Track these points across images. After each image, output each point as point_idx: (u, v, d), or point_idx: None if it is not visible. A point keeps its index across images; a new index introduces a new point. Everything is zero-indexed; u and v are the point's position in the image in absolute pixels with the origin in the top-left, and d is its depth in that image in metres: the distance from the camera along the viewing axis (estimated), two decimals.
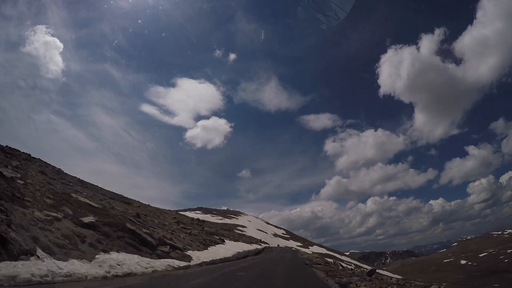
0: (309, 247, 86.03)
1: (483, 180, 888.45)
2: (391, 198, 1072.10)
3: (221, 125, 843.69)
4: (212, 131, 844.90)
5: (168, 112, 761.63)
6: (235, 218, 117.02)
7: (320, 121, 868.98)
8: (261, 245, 44.69)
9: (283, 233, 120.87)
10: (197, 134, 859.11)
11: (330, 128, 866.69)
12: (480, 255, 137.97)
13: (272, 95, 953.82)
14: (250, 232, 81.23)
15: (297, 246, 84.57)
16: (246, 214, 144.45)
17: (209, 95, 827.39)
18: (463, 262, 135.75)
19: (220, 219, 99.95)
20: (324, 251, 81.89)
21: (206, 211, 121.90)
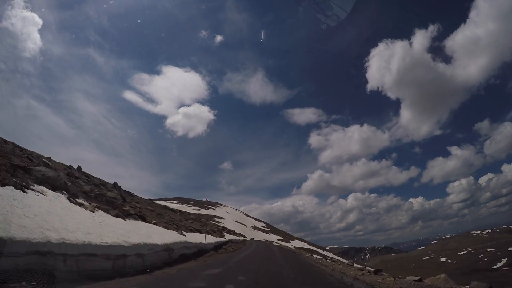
0: (290, 241, 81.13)
1: (463, 181, 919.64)
2: (372, 195, 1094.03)
3: (204, 112, 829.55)
4: (194, 119, 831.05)
5: (151, 100, 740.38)
6: (213, 209, 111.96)
7: (304, 115, 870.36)
8: (223, 237, 30.87)
9: (263, 226, 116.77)
10: (178, 121, 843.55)
11: (315, 123, 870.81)
12: (460, 253, 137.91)
13: (257, 87, 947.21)
14: (228, 224, 76.45)
15: (278, 240, 79.43)
16: (225, 206, 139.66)
17: (194, 84, 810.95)
18: (442, 259, 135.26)
19: (197, 210, 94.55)
20: (305, 245, 77.04)
21: (183, 201, 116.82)
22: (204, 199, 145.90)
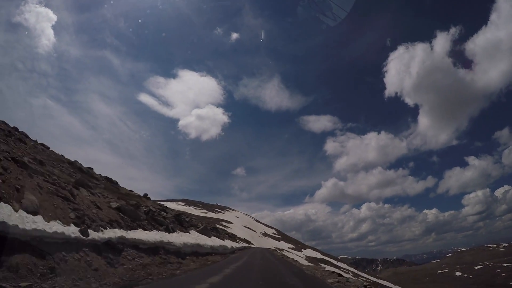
0: (302, 250, 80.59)
1: (479, 192, 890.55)
2: (386, 205, 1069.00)
3: (218, 115, 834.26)
4: (208, 122, 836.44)
5: (166, 103, 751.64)
6: (221, 212, 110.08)
7: (320, 122, 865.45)
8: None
9: (273, 233, 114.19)
10: (192, 123, 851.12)
11: (330, 131, 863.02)
12: (476, 268, 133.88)
13: (273, 93, 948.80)
14: (235, 229, 75.39)
15: (289, 248, 79.33)
16: (234, 210, 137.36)
17: (209, 88, 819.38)
18: (458, 274, 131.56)
19: (204, 213, 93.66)
20: (318, 255, 76.56)
21: (190, 203, 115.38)
22: (215, 203, 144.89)
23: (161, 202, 52.44)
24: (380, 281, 71.10)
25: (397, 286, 73.76)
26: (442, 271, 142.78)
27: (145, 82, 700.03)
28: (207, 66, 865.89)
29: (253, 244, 54.16)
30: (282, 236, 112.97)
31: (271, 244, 78.84)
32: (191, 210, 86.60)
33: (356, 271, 66.47)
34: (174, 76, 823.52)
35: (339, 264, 67.15)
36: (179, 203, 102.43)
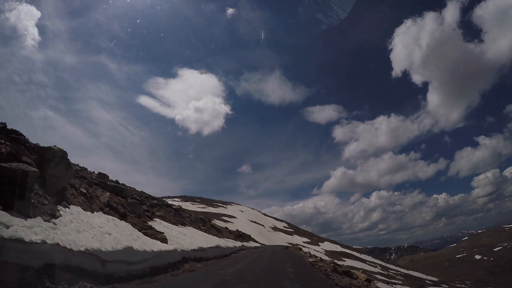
0: (319, 243, 76.17)
1: (489, 174, 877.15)
2: (396, 192, 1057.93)
3: (218, 104, 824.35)
4: (208, 115, 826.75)
5: (167, 104, 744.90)
6: (223, 207, 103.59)
7: (325, 112, 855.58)
8: None
9: (284, 227, 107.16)
10: (194, 119, 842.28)
11: (336, 120, 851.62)
12: (495, 250, 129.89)
13: (275, 86, 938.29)
14: (239, 224, 68.94)
15: (304, 242, 75.00)
16: (239, 204, 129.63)
17: (210, 85, 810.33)
18: (477, 257, 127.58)
19: (202, 208, 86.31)
20: (338, 248, 72.19)
21: (187, 199, 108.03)
22: (219, 200, 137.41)
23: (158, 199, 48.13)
24: (405, 271, 67.22)
25: (428, 275, 69.69)
26: (460, 255, 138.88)
27: (144, 84, 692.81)
28: (207, 63, 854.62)
29: (258, 243, 44.23)
30: (294, 229, 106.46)
31: (283, 239, 73.56)
32: (187, 205, 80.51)
33: (382, 263, 62.56)
34: (173, 75, 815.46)
35: (362, 256, 63.13)
36: (174, 199, 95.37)
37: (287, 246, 40.55)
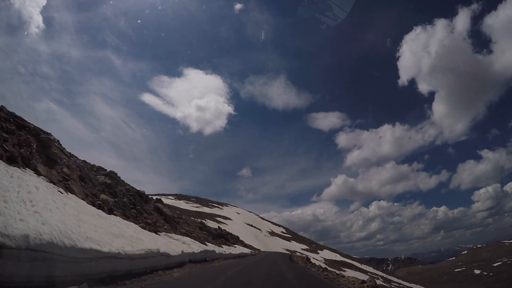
0: (318, 251, 74.38)
1: (490, 188, 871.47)
2: (396, 203, 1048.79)
3: (223, 112, 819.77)
4: (210, 114, 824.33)
5: (171, 103, 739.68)
6: (218, 208, 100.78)
7: (328, 119, 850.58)
8: None
9: (282, 232, 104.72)
10: (193, 116, 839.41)
11: (339, 128, 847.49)
12: (495, 265, 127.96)
13: (280, 91, 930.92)
14: (234, 226, 65.81)
15: (303, 249, 73.33)
16: (235, 206, 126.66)
17: (215, 86, 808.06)
18: (477, 271, 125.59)
19: (197, 207, 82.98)
20: (338, 257, 70.31)
21: (181, 197, 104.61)
22: (215, 201, 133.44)
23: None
24: (408, 284, 65.44)
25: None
26: (459, 269, 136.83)
27: (149, 82, 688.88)
28: (213, 63, 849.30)
29: (254, 250, 39.00)
30: (292, 235, 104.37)
31: (280, 245, 71.48)
32: (181, 204, 78.10)
33: (384, 274, 60.68)
34: (179, 74, 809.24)
35: (363, 266, 61.37)
36: (168, 197, 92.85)
37: (291, 255, 34.82)
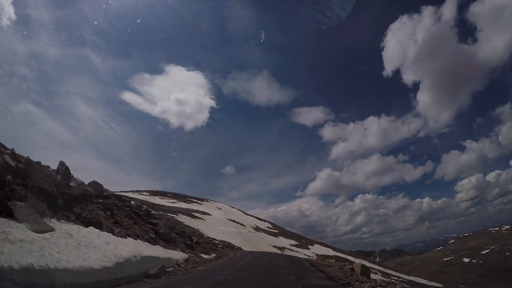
0: (309, 246, 69.43)
1: (473, 178, 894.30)
2: (381, 196, 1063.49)
3: (205, 106, 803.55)
4: (190, 108, 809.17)
5: (152, 101, 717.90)
6: (197, 203, 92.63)
7: (312, 114, 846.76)
8: None
9: (268, 227, 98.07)
10: (173, 110, 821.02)
11: (323, 122, 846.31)
12: (483, 252, 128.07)
13: (263, 86, 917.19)
14: (213, 221, 59.25)
15: (291, 245, 68.17)
16: (216, 202, 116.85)
17: (197, 83, 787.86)
18: (466, 260, 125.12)
19: (173, 202, 76.32)
20: (330, 251, 65.73)
21: (156, 193, 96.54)
22: (194, 196, 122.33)
23: (123, 193, 40.17)
24: (407, 276, 61.69)
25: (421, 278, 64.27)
26: (448, 259, 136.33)
27: (129, 80, 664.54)
28: (195, 60, 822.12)
29: (236, 247, 33.32)
30: (279, 230, 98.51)
31: (267, 241, 65.30)
32: (156, 199, 70.48)
33: (381, 268, 56.65)
34: (160, 71, 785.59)
35: (357, 260, 56.97)
36: (142, 193, 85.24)
37: (297, 257, 26.22)
